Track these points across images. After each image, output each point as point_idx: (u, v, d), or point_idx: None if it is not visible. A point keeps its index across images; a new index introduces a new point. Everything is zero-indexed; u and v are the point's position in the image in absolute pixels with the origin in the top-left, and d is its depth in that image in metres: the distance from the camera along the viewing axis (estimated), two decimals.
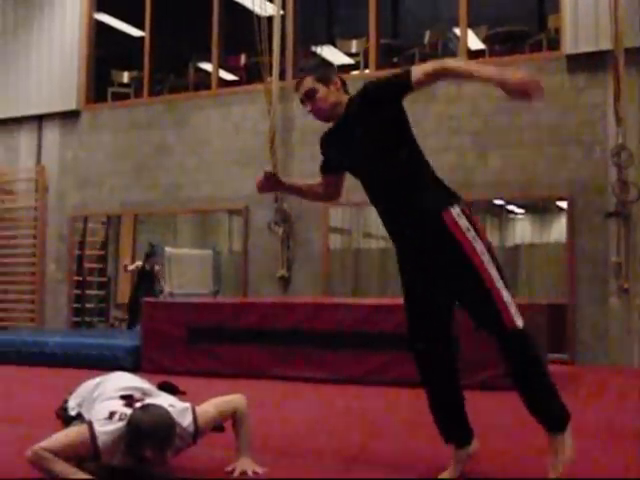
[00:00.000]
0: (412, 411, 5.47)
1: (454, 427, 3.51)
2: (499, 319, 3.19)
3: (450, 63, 3.28)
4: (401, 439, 4.39)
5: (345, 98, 3.56)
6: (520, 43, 9.90)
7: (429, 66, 3.25)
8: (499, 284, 3.20)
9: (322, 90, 3.50)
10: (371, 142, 3.40)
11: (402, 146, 3.40)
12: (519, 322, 3.22)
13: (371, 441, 4.34)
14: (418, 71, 3.24)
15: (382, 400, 5.98)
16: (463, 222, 3.25)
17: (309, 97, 3.51)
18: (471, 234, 3.23)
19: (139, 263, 12.58)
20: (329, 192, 3.90)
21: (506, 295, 3.21)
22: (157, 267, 12.79)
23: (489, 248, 3.27)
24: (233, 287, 13.32)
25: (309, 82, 3.51)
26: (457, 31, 10.11)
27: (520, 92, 2.99)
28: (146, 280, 12.48)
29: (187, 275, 14.59)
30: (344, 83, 3.61)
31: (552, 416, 3.27)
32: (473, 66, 3.32)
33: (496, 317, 3.19)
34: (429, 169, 3.44)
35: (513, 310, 3.21)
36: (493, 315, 3.20)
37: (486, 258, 3.22)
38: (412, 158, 3.42)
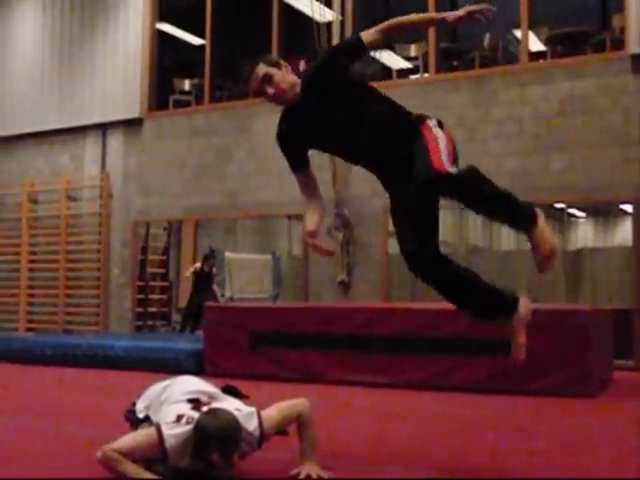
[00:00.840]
0: (474, 417, 5.44)
1: (494, 296, 3.54)
2: (430, 164, 3.27)
3: (401, 17, 3.56)
4: (461, 445, 4.35)
5: (297, 79, 3.62)
6: (583, 44, 9.73)
7: (381, 24, 3.58)
8: (443, 153, 3.33)
9: (277, 73, 3.58)
10: (347, 99, 3.56)
11: (372, 94, 3.65)
12: (452, 169, 3.28)
13: (433, 447, 4.31)
14: (369, 32, 3.56)
15: (444, 406, 5.93)
16: (437, 130, 3.50)
17: (268, 81, 3.56)
18: (440, 134, 3.45)
19: (198, 265, 12.71)
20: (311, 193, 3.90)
21: (445, 156, 3.32)
22: (214, 269, 12.90)
23: (453, 149, 3.46)
24: (292, 291, 13.40)
25: (262, 69, 3.58)
26: (517, 33, 10.00)
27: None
28: (204, 282, 12.60)
29: (247, 279, 14.74)
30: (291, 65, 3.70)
31: (523, 213, 3.46)
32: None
33: (427, 163, 3.28)
34: (401, 106, 3.69)
35: (445, 159, 3.30)
36: (425, 163, 3.29)
37: (442, 144, 3.38)
38: (385, 101, 3.66)
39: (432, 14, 3.57)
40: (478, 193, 3.35)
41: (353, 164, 3.86)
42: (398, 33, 3.69)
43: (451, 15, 3.53)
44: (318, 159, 10.31)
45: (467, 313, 3.74)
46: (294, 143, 3.74)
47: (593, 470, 3.73)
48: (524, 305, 3.51)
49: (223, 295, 13.85)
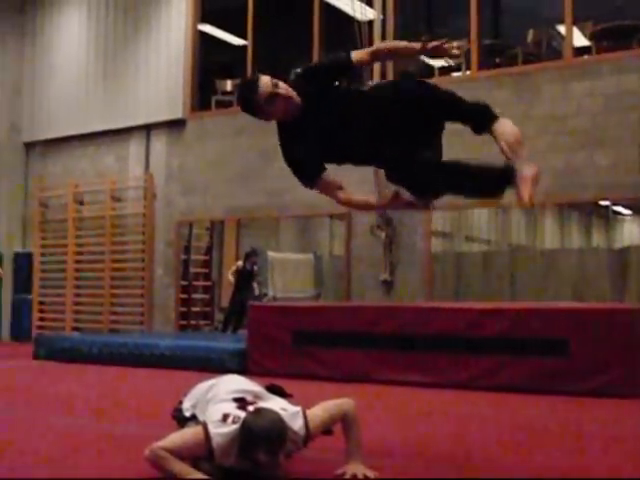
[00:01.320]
0: (517, 418, 5.38)
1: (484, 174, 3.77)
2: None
3: (384, 43, 3.64)
4: (502, 446, 4.31)
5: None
6: (628, 38, 9.55)
7: (371, 47, 3.78)
8: None
9: (281, 83, 3.57)
10: (344, 104, 3.64)
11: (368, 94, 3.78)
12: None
13: (475, 448, 4.28)
14: (360, 51, 3.69)
15: (488, 406, 5.89)
16: None
17: (278, 88, 3.55)
18: None
19: (240, 263, 12.74)
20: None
21: None
22: (255, 267, 12.93)
23: None
24: (334, 291, 13.42)
25: (267, 79, 3.56)
26: (561, 28, 9.87)
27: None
28: (246, 280, 12.64)
29: (289, 279, 14.79)
30: None
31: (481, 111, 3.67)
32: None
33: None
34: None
35: None
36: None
37: None
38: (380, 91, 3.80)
39: (413, 45, 3.62)
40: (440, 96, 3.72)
41: (363, 164, 3.91)
42: (384, 57, 3.85)
43: (423, 46, 3.63)
44: None
45: (475, 195, 3.90)
46: (307, 156, 3.74)
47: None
48: (524, 166, 3.57)
49: (266, 294, 13.91)
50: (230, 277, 12.61)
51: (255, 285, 12.92)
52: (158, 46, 12.11)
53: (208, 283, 13.70)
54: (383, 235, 9.90)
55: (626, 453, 4.13)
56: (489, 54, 10.81)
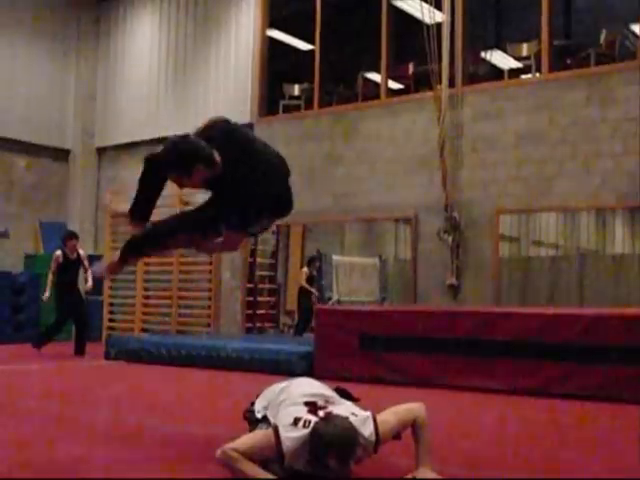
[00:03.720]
0: (587, 426, 5.27)
1: None
2: None
3: None
4: (571, 454, 4.22)
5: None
6: None
7: None
8: None
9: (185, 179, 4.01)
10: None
11: None
12: None
13: (554, 454, 4.20)
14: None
15: (562, 412, 5.78)
16: None
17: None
18: None
19: (305, 269, 12.81)
20: None
21: None
22: (315, 272, 13.02)
23: None
24: (399, 295, 13.36)
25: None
26: (635, 28, 9.64)
27: None
28: (311, 284, 12.73)
29: (354, 283, 14.78)
30: None
31: None
32: None
33: None
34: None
35: None
36: None
37: None
38: None
39: None
40: None
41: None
42: None
43: None
44: (428, 162, 10.27)
45: None
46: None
47: None
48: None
49: (330, 298, 13.94)
50: (306, 284, 12.69)
51: (311, 288, 12.97)
52: (227, 52, 12.27)
53: (274, 286, 13.78)
54: (450, 239, 9.82)
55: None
56: (560, 55, 10.63)
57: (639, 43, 9.41)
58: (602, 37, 10.35)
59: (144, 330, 12.63)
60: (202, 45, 12.58)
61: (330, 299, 13.94)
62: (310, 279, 12.73)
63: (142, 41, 13.42)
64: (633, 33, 10.37)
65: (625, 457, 4.18)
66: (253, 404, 3.72)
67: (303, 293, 12.65)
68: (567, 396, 6.30)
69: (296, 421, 3.24)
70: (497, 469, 3.82)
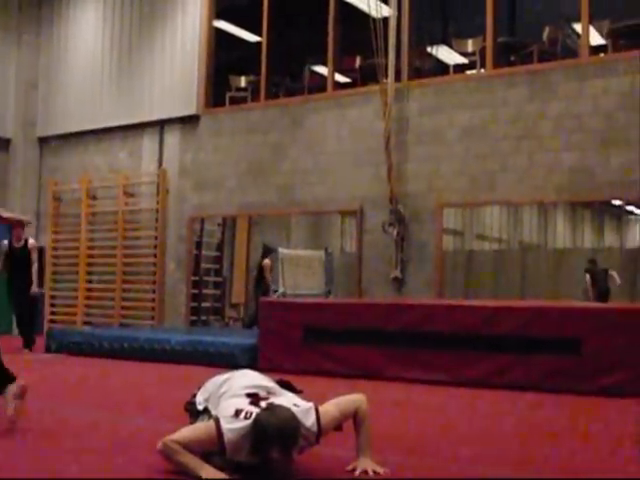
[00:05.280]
0: (529, 416, 5.37)
1: None
2: None
3: None
4: (515, 442, 4.30)
5: None
6: None
7: None
8: None
9: None
10: None
11: None
12: None
13: (487, 444, 4.27)
14: None
15: (499, 404, 5.87)
16: None
17: None
18: None
19: (268, 261, 12.75)
20: None
21: None
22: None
23: None
24: (344, 288, 13.42)
25: None
26: (577, 26, 9.81)
27: None
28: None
29: (300, 276, 14.80)
30: None
31: None
32: None
33: None
34: None
35: None
36: None
37: None
38: None
39: None
40: None
41: None
42: None
43: None
44: (374, 156, 10.37)
45: None
46: None
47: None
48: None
49: (276, 291, 13.93)
50: (269, 275, 12.64)
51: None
52: (173, 42, 12.13)
53: (219, 279, 13.73)
54: (394, 232, 9.88)
55: (632, 454, 4.11)
56: (504, 52, 10.76)
57: (580, 41, 9.58)
58: (545, 34, 10.52)
59: (86, 323, 12.46)
60: (147, 35, 12.41)
61: (276, 292, 13.93)
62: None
63: (86, 28, 13.18)
64: (575, 31, 10.55)
65: (547, 446, 4.27)
66: (194, 396, 3.70)
67: (260, 284, 12.55)
68: (508, 387, 6.41)
69: (237, 412, 3.23)
70: (436, 457, 3.86)
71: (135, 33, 12.56)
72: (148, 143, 12.47)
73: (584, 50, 9.36)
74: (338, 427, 3.54)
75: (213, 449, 3.26)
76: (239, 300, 14.64)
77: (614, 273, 12.46)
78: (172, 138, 12.23)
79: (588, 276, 12.43)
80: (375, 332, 7.21)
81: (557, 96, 9.21)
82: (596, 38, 10.28)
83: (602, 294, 12.22)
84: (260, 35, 11.92)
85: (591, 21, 9.60)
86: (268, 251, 13.07)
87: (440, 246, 9.89)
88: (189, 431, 3.33)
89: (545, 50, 10.26)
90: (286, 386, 3.78)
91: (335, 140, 10.67)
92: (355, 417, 3.47)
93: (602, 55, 9.77)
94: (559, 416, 5.40)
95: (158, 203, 12.20)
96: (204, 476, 3.17)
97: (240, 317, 14.49)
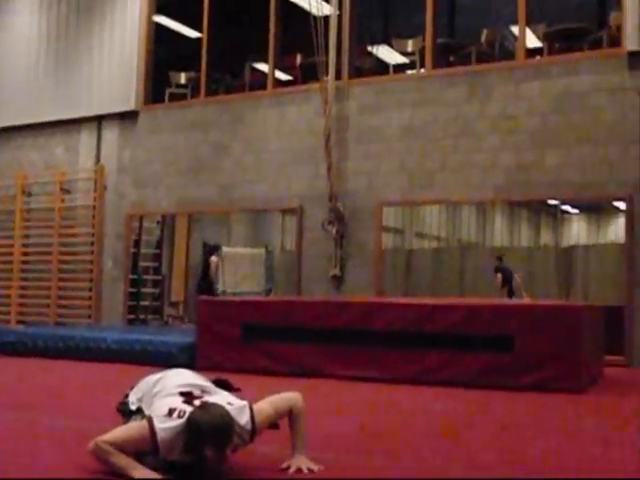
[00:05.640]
0: (463, 412, 5.44)
1: None
2: None
3: None
4: (454, 439, 4.35)
5: None
6: (580, 41, 9.72)
7: None
8: None
9: None
10: None
11: None
12: None
13: (420, 441, 4.31)
14: None
15: (437, 400, 5.94)
16: None
17: None
18: None
19: (215, 258, 12.65)
20: None
21: None
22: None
23: None
24: (285, 286, 13.41)
25: None
26: (514, 29, 9.99)
27: None
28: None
29: (240, 274, 14.73)
30: None
31: None
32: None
33: None
34: None
35: None
36: None
37: None
38: None
39: None
40: None
41: None
42: None
43: None
44: (314, 154, 10.38)
45: None
46: None
47: (570, 465, 3.73)
48: None
49: (216, 289, 13.84)
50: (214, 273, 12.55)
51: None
52: (112, 36, 11.94)
53: (158, 277, 13.59)
54: (334, 230, 9.92)
55: (549, 446, 4.21)
56: (443, 53, 10.90)
57: (516, 43, 9.75)
58: (483, 36, 10.69)
59: (21, 322, 12.20)
60: (85, 29, 12.19)
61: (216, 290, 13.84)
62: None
63: (21, 21, 12.88)
64: (512, 34, 10.73)
65: (473, 440, 4.34)
66: (127, 396, 3.65)
67: (205, 282, 12.41)
68: (445, 383, 6.48)
69: (171, 411, 3.19)
70: (373, 455, 3.88)
71: (73, 27, 12.32)
72: (86, 139, 12.26)
73: (521, 53, 9.53)
74: (274, 425, 3.53)
75: (146, 449, 3.21)
76: (178, 298, 14.49)
77: (517, 276, 12.53)
78: (110, 134, 12.05)
79: (499, 275, 12.48)
80: (314, 330, 7.22)
81: (494, 97, 9.36)
82: (533, 41, 10.49)
83: (510, 293, 12.32)
84: (201, 31, 11.83)
85: (528, 24, 9.80)
86: (214, 249, 12.96)
87: (380, 244, 9.96)
88: (121, 431, 3.28)
89: (483, 52, 10.43)
90: (223, 385, 3.75)
91: (275, 138, 10.66)
92: (290, 415, 3.46)
93: (538, 58, 9.96)
94: (486, 411, 5.50)
95: (95, 200, 12.01)
96: (136, 476, 3.12)
97: (179, 315, 14.36)
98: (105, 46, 11.97)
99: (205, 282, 12.45)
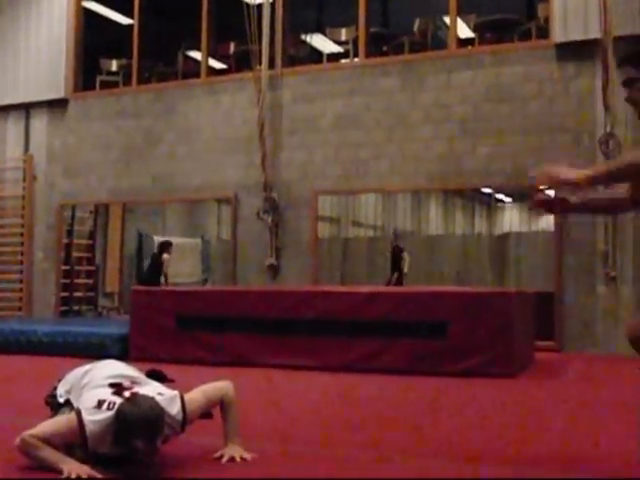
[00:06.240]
0: (397, 399, 5.51)
1: None
2: None
3: None
4: (387, 426, 4.41)
5: None
6: (510, 31, 9.89)
7: None
8: None
9: None
10: None
11: None
12: None
13: (355, 428, 4.35)
14: None
15: (371, 387, 6.00)
16: None
17: None
18: None
19: (167, 255, 12.48)
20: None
21: None
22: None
23: None
24: (222, 275, 13.34)
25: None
26: (447, 19, 10.10)
27: None
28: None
29: (176, 264, 14.58)
30: None
31: None
32: None
33: None
34: None
35: None
36: None
37: None
38: None
39: None
40: None
41: None
42: None
43: None
44: (248, 143, 10.33)
45: None
46: None
47: (499, 450, 3.82)
48: None
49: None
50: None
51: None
52: (39, 22, 11.63)
53: (91, 268, 13.36)
54: (269, 220, 9.90)
55: (490, 428, 4.30)
56: (377, 42, 10.95)
57: (448, 33, 9.86)
58: (416, 26, 10.77)
59: None
60: (11, 14, 11.83)
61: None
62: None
63: None
64: (445, 24, 10.83)
65: (398, 425, 4.41)
66: (55, 388, 3.59)
67: (156, 278, 12.21)
68: (379, 371, 6.55)
69: (100, 403, 3.15)
70: (306, 444, 3.90)
71: None
72: (13, 127, 11.95)
73: (452, 42, 9.65)
74: (208, 414, 3.52)
75: (75, 442, 3.17)
76: (113, 289, 14.29)
77: (405, 254, 12.60)
78: (39, 122, 11.77)
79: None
80: (249, 319, 7.21)
81: (427, 86, 9.45)
82: (465, 31, 10.63)
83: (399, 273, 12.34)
84: (132, 17, 11.63)
85: (460, 14, 9.92)
86: (166, 245, 12.74)
87: (315, 233, 9.99)
88: (49, 425, 3.22)
89: (416, 41, 10.51)
90: (157, 376, 3.73)
91: (209, 127, 10.57)
92: (222, 404, 3.46)
93: (469, 48, 10.10)
94: (419, 397, 5.58)
95: (25, 190, 11.73)
96: (65, 470, 3.08)
97: (114, 306, 14.16)
98: (32, 32, 11.65)
99: (153, 277, 12.24)
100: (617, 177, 3.03)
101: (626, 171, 2.93)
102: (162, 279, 12.39)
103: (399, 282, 12.27)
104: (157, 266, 12.45)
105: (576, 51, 8.78)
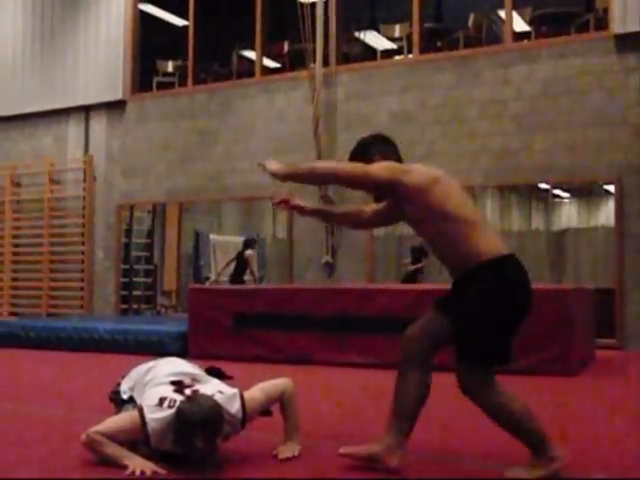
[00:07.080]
0: (458, 396, 5.47)
1: None
2: None
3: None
4: (447, 426, 4.38)
5: None
6: (567, 24, 9.72)
7: None
8: None
9: None
10: None
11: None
12: None
13: (419, 428, 4.33)
14: None
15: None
16: None
17: None
18: None
19: (251, 252, 12.43)
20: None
21: None
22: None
23: None
24: (277, 273, 13.41)
25: None
26: (502, 13, 9.98)
27: None
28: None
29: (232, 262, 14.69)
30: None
31: None
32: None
33: None
34: None
35: None
36: None
37: None
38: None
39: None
40: None
41: None
42: None
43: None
44: (303, 141, 10.32)
45: None
46: None
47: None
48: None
49: (208, 278, 13.84)
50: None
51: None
52: (97, 25, 11.87)
53: (150, 267, 13.57)
54: None
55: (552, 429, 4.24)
56: (431, 38, 10.88)
57: (504, 28, 9.74)
58: (470, 21, 10.67)
59: (13, 314, 12.18)
60: (70, 18, 12.10)
61: (208, 279, 13.84)
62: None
63: (6, 11, 12.79)
64: (500, 18, 10.71)
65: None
66: (119, 385, 3.66)
67: (241, 276, 12.23)
68: (437, 368, 6.48)
69: (161, 401, 3.20)
70: (362, 442, 3.90)
71: (57, 16, 12.24)
72: (73, 129, 12.21)
73: (508, 37, 9.53)
74: (267, 412, 3.55)
75: (138, 439, 3.23)
76: (171, 287, 14.49)
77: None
78: (98, 124, 12.01)
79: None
80: (305, 317, 7.23)
81: (482, 82, 9.36)
82: (520, 25, 10.48)
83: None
84: (187, 19, 11.77)
85: (515, 8, 9.79)
86: (251, 242, 12.76)
87: (370, 231, 9.95)
88: (113, 422, 3.29)
89: (471, 36, 10.41)
90: (216, 373, 3.77)
91: (264, 125, 10.64)
92: (281, 401, 3.48)
93: (525, 42, 9.96)
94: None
95: (85, 190, 11.98)
96: (130, 466, 3.13)
97: (172, 305, 14.35)
98: (91, 36, 11.90)
99: (240, 276, 12.22)
100: (308, 179, 3.44)
101: (310, 175, 3.33)
102: (246, 276, 12.30)
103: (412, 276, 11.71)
104: (242, 263, 12.43)
105: (636, 42, 8.58)
